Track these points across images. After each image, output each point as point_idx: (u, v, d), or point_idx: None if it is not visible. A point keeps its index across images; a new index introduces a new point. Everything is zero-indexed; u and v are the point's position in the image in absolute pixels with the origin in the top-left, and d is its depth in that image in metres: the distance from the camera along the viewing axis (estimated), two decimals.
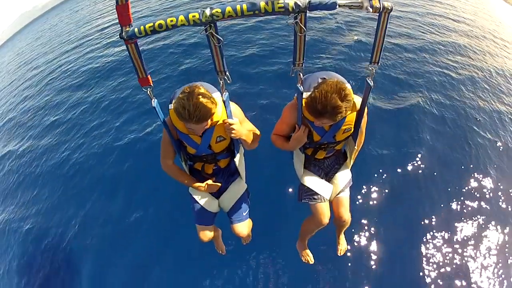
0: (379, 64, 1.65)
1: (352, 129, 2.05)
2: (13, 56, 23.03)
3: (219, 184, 2.29)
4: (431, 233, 3.97)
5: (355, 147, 2.20)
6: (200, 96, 1.69)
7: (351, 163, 2.39)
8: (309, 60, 6.77)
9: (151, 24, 1.38)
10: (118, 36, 1.46)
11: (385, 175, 4.49)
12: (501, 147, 5.21)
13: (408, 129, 5.25)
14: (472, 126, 5.51)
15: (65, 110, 7.89)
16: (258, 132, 2.17)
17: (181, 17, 1.36)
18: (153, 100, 1.78)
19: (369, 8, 1.32)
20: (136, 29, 1.41)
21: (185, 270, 3.81)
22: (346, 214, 2.38)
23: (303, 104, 1.84)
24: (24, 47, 24.11)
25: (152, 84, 1.71)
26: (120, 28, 1.43)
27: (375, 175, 4.48)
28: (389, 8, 1.38)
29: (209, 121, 1.84)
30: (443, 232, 3.98)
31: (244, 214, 2.39)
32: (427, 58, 7.60)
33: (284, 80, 6.14)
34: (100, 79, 8.75)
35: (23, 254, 4.68)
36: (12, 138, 7.94)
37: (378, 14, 1.41)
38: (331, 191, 2.36)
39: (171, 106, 1.90)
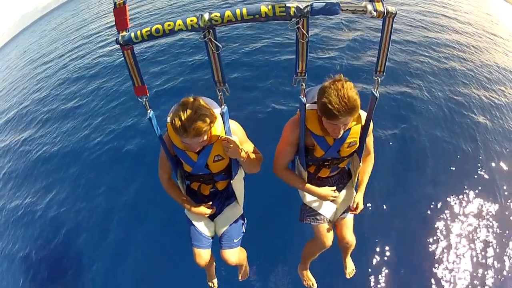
0: (384, 73, 1.56)
1: (357, 144, 1.95)
2: (19, 53, 23.59)
3: (213, 210, 2.13)
4: (439, 240, 3.89)
5: (360, 163, 2.09)
6: (197, 109, 1.58)
7: (356, 181, 2.28)
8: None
9: (148, 28, 1.35)
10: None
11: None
12: (490, 129, 5.50)
13: (398, 114, 5.56)
14: (461, 110, 5.81)
15: (82, 96, 8.18)
16: (260, 156, 2.03)
17: (179, 22, 1.32)
18: (149, 111, 1.70)
19: (373, 12, 1.28)
20: (132, 34, 1.38)
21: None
22: (349, 236, 2.26)
23: (312, 114, 1.77)
24: (29, 46, 24.61)
25: (148, 94, 1.64)
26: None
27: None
28: (394, 12, 1.34)
29: (206, 137, 1.71)
30: (449, 231, 3.98)
31: (235, 241, 2.23)
32: (422, 51, 7.89)
33: (284, 71, 6.48)
34: (115, 68, 9.01)
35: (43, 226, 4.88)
36: (33, 124, 8.07)
37: (382, 19, 1.36)
38: (335, 212, 2.25)
39: (169, 119, 1.77)
